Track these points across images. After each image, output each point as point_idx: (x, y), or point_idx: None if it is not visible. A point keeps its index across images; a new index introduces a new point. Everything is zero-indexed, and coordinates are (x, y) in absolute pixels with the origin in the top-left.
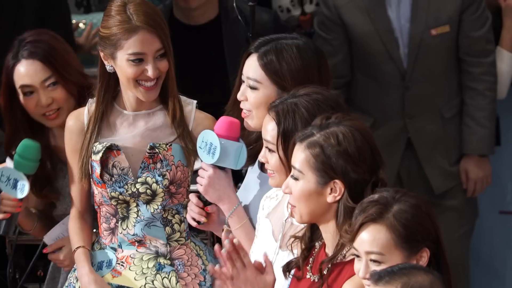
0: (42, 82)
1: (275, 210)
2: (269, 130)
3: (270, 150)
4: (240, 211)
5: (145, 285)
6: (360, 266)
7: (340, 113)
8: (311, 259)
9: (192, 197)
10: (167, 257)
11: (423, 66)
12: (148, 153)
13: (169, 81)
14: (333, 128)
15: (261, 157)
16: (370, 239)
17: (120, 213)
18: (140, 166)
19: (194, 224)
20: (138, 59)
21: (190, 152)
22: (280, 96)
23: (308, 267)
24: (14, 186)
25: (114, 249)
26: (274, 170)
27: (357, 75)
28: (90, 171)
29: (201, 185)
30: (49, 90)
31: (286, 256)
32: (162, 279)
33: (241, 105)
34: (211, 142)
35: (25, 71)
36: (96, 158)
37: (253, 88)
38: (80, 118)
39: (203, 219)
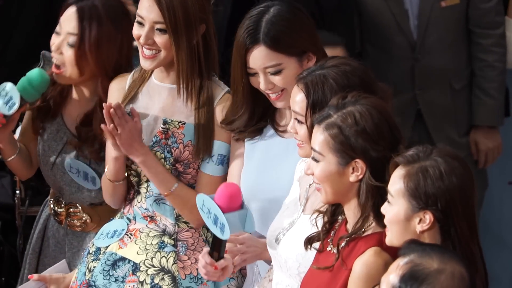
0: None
1: (305, 175)
2: (298, 102)
3: (299, 121)
4: None
5: (144, 261)
6: (387, 209)
7: (355, 92)
8: (332, 232)
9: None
10: (172, 237)
11: (433, 38)
12: (162, 127)
13: (176, 60)
14: (350, 107)
15: (290, 128)
16: None
17: (135, 185)
18: (153, 139)
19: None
20: (139, 22)
21: (201, 139)
22: (303, 61)
23: (329, 240)
24: (6, 103)
25: (129, 220)
26: (303, 141)
27: (367, 47)
28: None
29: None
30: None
31: (307, 220)
32: (161, 258)
33: (270, 92)
34: (216, 214)
35: None
36: None
37: (276, 73)
38: (121, 83)
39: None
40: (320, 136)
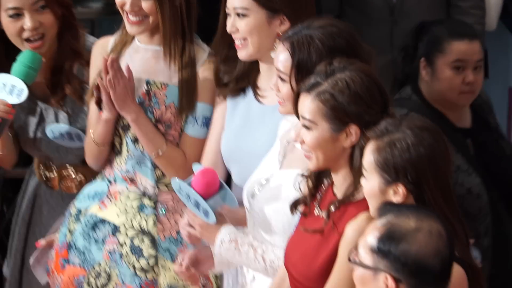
0: (31, 5)
1: (287, 132)
2: (282, 61)
3: (282, 79)
4: None
5: (124, 223)
6: (364, 183)
7: (341, 58)
8: (318, 195)
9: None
10: (152, 199)
11: (412, 1)
12: (145, 89)
13: (160, 23)
14: (339, 74)
15: (273, 85)
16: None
17: (116, 146)
18: (137, 100)
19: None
20: None
21: (184, 98)
22: (273, 20)
23: (315, 203)
24: (11, 92)
25: (110, 182)
26: (284, 99)
27: (346, 10)
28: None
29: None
30: (37, 13)
31: (283, 175)
32: (140, 220)
33: (234, 37)
34: (196, 200)
35: None
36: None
37: (242, 15)
38: (104, 45)
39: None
40: (311, 104)
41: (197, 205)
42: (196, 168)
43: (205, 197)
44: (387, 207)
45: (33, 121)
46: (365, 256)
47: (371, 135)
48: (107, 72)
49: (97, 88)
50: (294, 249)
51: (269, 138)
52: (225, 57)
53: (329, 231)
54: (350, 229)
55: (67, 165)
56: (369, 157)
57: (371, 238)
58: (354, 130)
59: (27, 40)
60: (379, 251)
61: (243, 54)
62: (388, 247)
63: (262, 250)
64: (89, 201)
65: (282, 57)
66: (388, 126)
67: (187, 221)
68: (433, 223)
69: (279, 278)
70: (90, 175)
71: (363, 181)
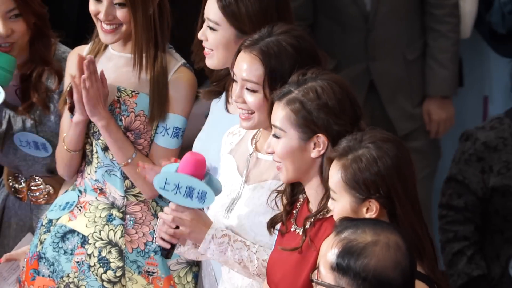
0: (5, 13)
1: (238, 146)
2: (251, 69)
3: (249, 89)
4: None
5: (92, 234)
6: (334, 205)
7: (315, 68)
8: (294, 212)
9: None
10: (121, 210)
11: (386, 9)
12: (117, 96)
13: (133, 32)
14: (311, 83)
15: (236, 97)
16: None
17: (87, 155)
18: (109, 108)
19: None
20: None
21: (154, 111)
22: (239, 38)
23: (292, 220)
24: None
25: (80, 192)
26: (256, 110)
27: (320, 18)
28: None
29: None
30: (10, 21)
31: (252, 190)
32: (108, 231)
33: (203, 44)
34: (190, 186)
35: None
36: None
37: (212, 29)
38: (80, 53)
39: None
40: (281, 112)
41: (189, 193)
42: (172, 165)
43: (199, 178)
44: (343, 223)
45: (1, 128)
46: (326, 275)
47: (333, 156)
48: (82, 72)
49: (70, 94)
50: (275, 268)
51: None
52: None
53: (307, 248)
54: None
55: (36, 176)
56: (336, 177)
57: (330, 255)
58: (322, 139)
59: None
60: (339, 268)
61: (209, 62)
62: (347, 263)
63: (256, 249)
64: (59, 212)
65: (249, 66)
66: (350, 144)
67: (169, 222)
68: (390, 235)
69: None
70: (59, 186)
71: (331, 203)
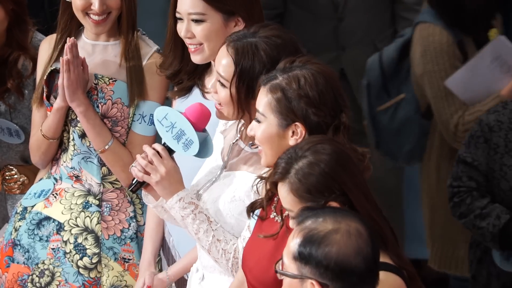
0: None
1: (230, 129)
2: (225, 65)
3: (221, 84)
4: None
5: (68, 221)
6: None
7: (305, 57)
8: (275, 199)
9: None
10: (97, 197)
11: None
12: (94, 83)
13: (123, 17)
14: (296, 71)
15: (210, 86)
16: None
17: (64, 143)
18: (87, 95)
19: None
20: None
21: (134, 92)
22: (229, 23)
23: (272, 207)
24: None
25: (56, 180)
26: (222, 103)
27: (290, 7)
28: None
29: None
30: None
31: (228, 177)
32: (85, 218)
33: (189, 42)
34: (182, 130)
35: None
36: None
37: (198, 21)
38: (51, 43)
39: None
40: (264, 97)
41: (179, 136)
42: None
43: (195, 128)
44: (304, 213)
45: None
46: (289, 265)
47: (276, 179)
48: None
49: (47, 82)
50: (251, 254)
51: (213, 132)
52: (181, 58)
53: (284, 236)
54: None
55: (10, 166)
56: (289, 197)
57: (292, 245)
58: (299, 129)
59: None
60: (301, 257)
61: (198, 58)
62: (309, 252)
63: (216, 227)
64: (34, 199)
65: (224, 62)
66: (287, 161)
67: (147, 158)
68: (351, 223)
69: (237, 281)
70: (33, 176)
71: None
